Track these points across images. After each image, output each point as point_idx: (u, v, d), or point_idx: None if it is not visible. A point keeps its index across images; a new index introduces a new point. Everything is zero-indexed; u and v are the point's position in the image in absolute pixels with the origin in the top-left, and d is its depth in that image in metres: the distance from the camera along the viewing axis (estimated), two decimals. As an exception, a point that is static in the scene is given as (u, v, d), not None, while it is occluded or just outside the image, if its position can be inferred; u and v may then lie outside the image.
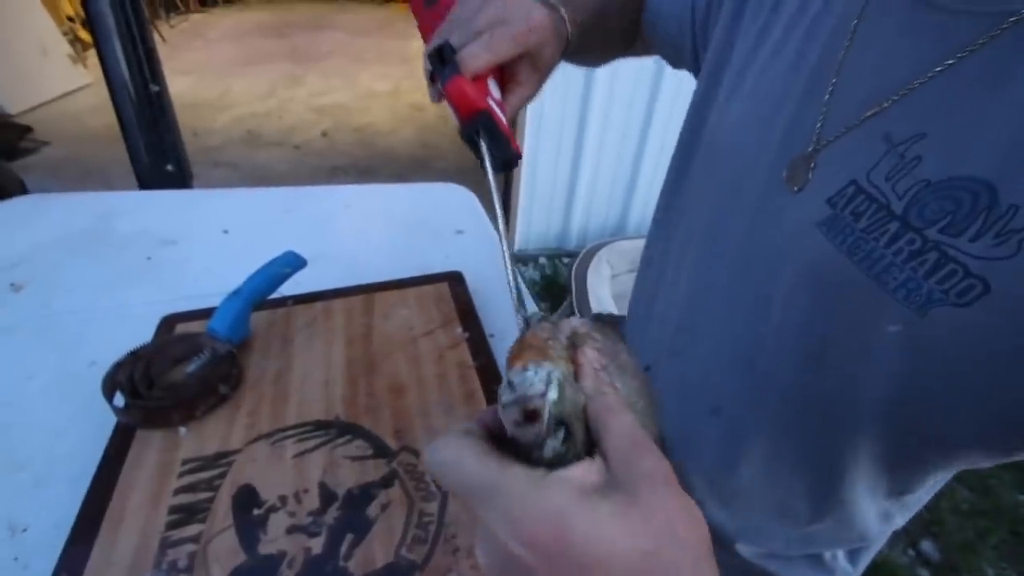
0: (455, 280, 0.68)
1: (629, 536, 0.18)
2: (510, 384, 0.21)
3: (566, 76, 1.97)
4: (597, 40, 0.54)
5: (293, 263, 0.60)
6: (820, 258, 0.35)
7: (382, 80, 4.69)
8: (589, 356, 0.25)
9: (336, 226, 0.82)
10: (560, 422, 0.21)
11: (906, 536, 1.47)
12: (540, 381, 0.20)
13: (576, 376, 0.23)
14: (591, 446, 0.22)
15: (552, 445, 0.20)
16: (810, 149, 0.37)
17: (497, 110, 0.37)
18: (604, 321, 0.37)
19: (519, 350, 0.23)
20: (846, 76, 0.36)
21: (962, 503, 1.54)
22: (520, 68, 0.41)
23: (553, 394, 0.20)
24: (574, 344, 0.25)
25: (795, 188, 0.38)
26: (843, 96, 0.36)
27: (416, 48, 5.73)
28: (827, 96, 0.37)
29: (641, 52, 0.61)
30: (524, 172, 2.19)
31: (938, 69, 0.31)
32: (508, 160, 0.36)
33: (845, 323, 0.35)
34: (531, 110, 2.02)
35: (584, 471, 0.20)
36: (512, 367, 0.22)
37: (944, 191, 0.30)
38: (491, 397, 0.51)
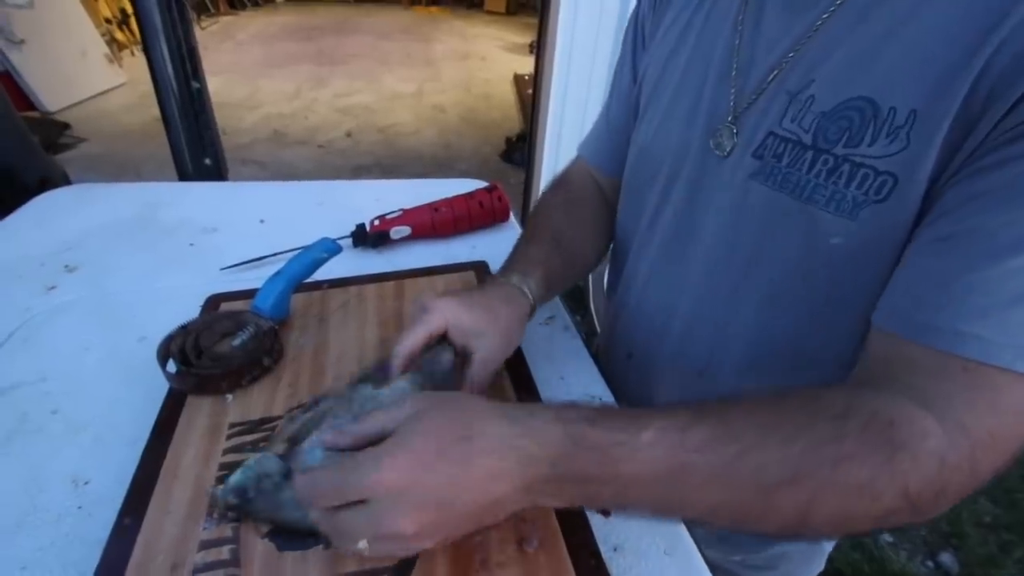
0: (481, 269, 0.71)
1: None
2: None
3: (585, 73, 1.99)
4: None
5: (330, 248, 0.63)
6: (760, 201, 0.41)
7: (406, 82, 4.76)
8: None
9: (366, 217, 0.85)
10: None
11: (925, 547, 1.45)
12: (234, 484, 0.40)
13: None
14: None
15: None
16: (729, 119, 0.44)
17: None
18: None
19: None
20: (744, 57, 0.44)
21: (984, 516, 1.51)
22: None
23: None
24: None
25: (724, 154, 0.44)
26: (746, 73, 0.43)
27: (439, 51, 5.81)
28: (733, 74, 0.44)
29: None
30: (544, 171, 2.20)
31: (812, 31, 0.39)
32: None
33: (795, 250, 0.40)
34: (552, 106, 2.03)
35: None
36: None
37: (837, 114, 0.36)
38: (513, 377, 0.54)
